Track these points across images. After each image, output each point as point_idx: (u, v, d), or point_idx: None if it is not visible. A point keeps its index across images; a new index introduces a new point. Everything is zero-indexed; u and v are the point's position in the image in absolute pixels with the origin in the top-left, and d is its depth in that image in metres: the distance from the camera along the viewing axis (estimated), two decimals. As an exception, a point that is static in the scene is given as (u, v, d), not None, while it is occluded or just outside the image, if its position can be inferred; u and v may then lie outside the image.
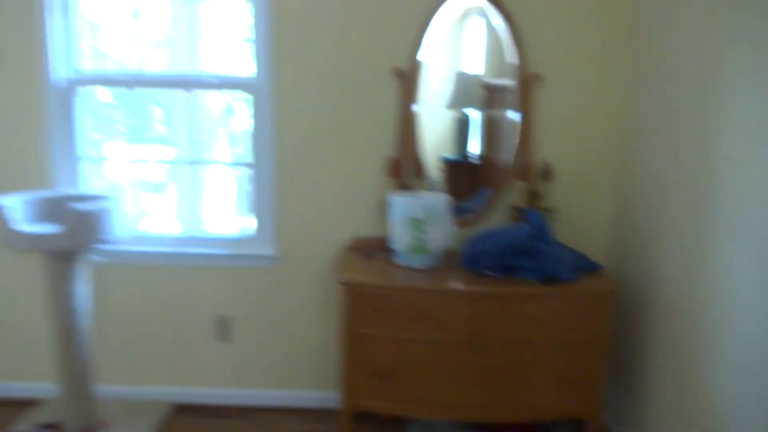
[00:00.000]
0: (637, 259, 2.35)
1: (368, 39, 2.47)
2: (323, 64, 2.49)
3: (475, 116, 2.62)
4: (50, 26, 2.49)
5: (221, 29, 2.70)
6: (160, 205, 2.97)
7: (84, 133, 2.65)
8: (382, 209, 2.51)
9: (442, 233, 2.29)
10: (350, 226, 2.59)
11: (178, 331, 2.71)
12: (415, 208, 2.26)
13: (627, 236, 2.47)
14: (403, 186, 2.51)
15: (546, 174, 2.48)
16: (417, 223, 2.25)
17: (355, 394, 2.23)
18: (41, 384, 2.69)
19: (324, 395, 2.68)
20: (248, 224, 2.77)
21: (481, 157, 2.64)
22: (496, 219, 2.56)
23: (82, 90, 2.60)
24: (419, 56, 2.45)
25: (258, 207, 2.64)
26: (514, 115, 2.50)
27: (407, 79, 2.47)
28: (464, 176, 2.68)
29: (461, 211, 2.51)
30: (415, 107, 2.49)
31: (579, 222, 2.54)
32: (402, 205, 2.29)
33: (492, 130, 2.63)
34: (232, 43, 2.71)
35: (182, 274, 2.67)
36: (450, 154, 2.64)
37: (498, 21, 2.43)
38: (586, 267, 2.30)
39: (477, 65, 2.58)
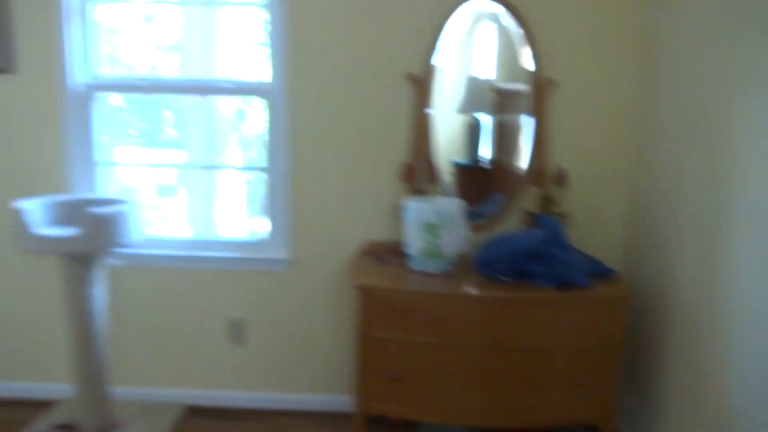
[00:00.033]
0: (652, 265, 2.35)
1: (382, 44, 2.48)
2: (337, 70, 2.51)
3: (486, 121, 2.62)
4: (69, 33, 2.53)
5: (235, 35, 2.73)
6: (172, 208, 3.00)
7: (100, 138, 2.68)
8: (395, 214, 2.52)
9: (456, 238, 2.29)
10: (363, 231, 2.60)
11: (192, 334, 2.74)
12: (430, 212, 2.27)
13: (641, 242, 2.46)
14: (417, 191, 2.52)
15: (560, 179, 2.48)
16: (431, 228, 2.26)
17: (368, 397, 2.23)
18: (57, 385, 2.72)
19: (336, 399, 2.69)
20: (258, 227, 2.78)
21: (493, 161, 2.65)
22: (510, 224, 2.56)
23: (98, 95, 2.64)
24: (432, 61, 2.46)
25: (272, 211, 2.66)
26: (526, 120, 2.51)
27: (421, 84, 2.48)
28: (475, 181, 2.69)
29: (474, 216, 2.51)
30: (428, 112, 2.50)
31: (593, 227, 2.54)
32: (416, 209, 2.29)
33: (503, 134, 2.63)
34: (247, 49, 2.74)
35: (196, 277, 2.69)
36: (461, 158, 2.64)
37: (512, 26, 2.43)
38: (601, 272, 2.29)
39: (488, 70, 2.58)
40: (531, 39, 2.41)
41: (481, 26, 2.53)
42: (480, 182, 2.69)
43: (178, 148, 2.93)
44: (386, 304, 2.17)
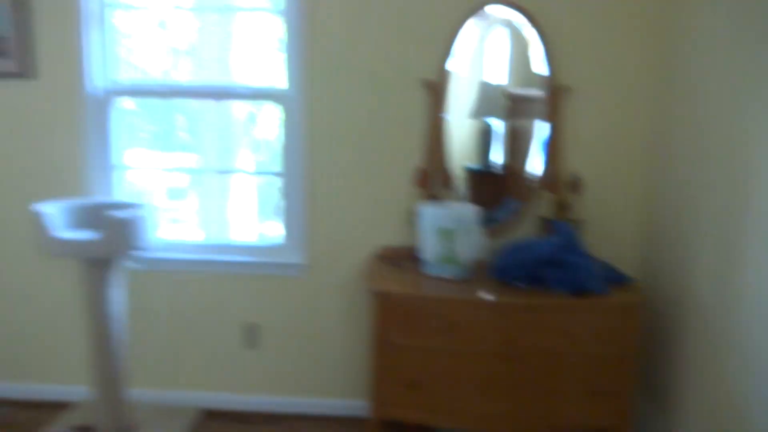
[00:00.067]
0: (667, 271, 2.34)
1: (396, 50, 2.49)
2: (352, 76, 2.52)
3: (498, 126, 2.63)
4: (88, 38, 2.56)
5: (250, 40, 2.76)
6: (184, 212, 3.02)
7: (117, 142, 2.71)
8: (409, 219, 2.53)
9: (472, 244, 2.30)
10: (378, 236, 2.62)
11: (207, 337, 2.76)
12: (445, 218, 2.27)
13: (657, 248, 2.46)
14: (432, 196, 2.53)
15: (575, 185, 2.48)
16: (446, 234, 2.27)
17: (384, 402, 2.24)
18: (74, 387, 2.75)
19: (351, 403, 2.70)
20: (269, 231, 2.79)
21: (505, 167, 2.65)
22: (524, 230, 2.56)
23: (116, 100, 2.67)
24: (447, 66, 2.47)
25: (287, 216, 2.68)
26: (540, 126, 2.51)
27: (435, 90, 2.49)
28: (488, 186, 2.69)
29: (488, 222, 2.51)
30: (443, 117, 2.51)
31: (608, 234, 2.54)
32: (432, 215, 2.30)
33: (516, 140, 2.63)
34: (261, 54, 2.76)
35: (212, 280, 2.71)
36: (473, 163, 2.65)
37: (527, 32, 2.44)
38: (616, 279, 2.29)
39: (500, 75, 2.59)
40: (547, 45, 2.42)
41: (493, 32, 2.53)
42: (493, 187, 2.69)
43: (189, 152, 2.95)
44: (402, 310, 2.18)
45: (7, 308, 2.78)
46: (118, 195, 2.73)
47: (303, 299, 2.70)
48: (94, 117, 2.63)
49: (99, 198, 2.64)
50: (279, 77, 2.62)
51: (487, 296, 2.19)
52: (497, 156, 2.65)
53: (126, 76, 2.76)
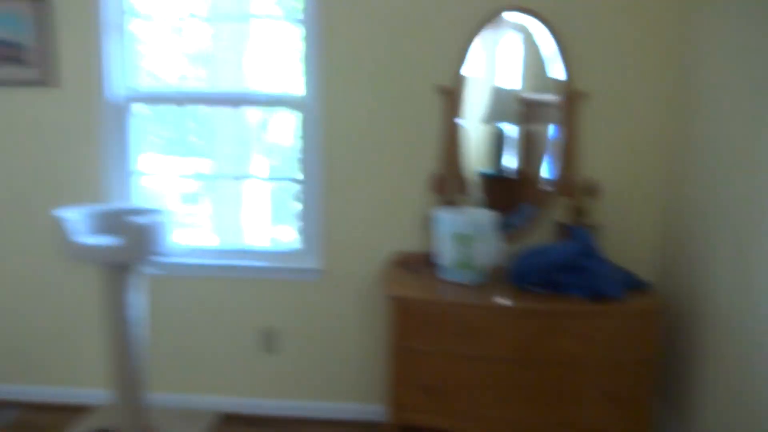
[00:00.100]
0: (685, 277, 2.33)
1: (413, 57, 2.51)
2: (369, 82, 2.54)
3: (510, 130, 2.63)
4: (107, 47, 2.60)
5: (266, 48, 2.78)
6: (198, 217, 3.05)
7: (135, 148, 2.74)
8: (425, 224, 2.54)
9: (489, 249, 2.30)
10: (394, 241, 2.63)
11: (225, 342, 2.78)
12: (462, 224, 2.28)
13: (674, 253, 2.45)
14: (448, 202, 2.54)
15: (591, 190, 2.48)
16: (464, 239, 2.27)
17: (402, 407, 2.25)
18: (93, 391, 2.79)
19: (367, 408, 2.71)
20: (281, 235, 2.81)
21: (519, 171, 2.65)
22: (541, 235, 2.56)
23: (134, 107, 2.70)
24: (462, 72, 2.48)
25: (304, 221, 2.70)
26: (555, 131, 2.51)
27: (451, 96, 2.50)
28: (502, 191, 2.69)
29: (504, 227, 2.52)
30: (458, 123, 2.52)
31: (625, 239, 2.53)
32: (449, 220, 2.31)
33: (530, 144, 2.64)
34: (278, 61, 2.79)
35: (229, 285, 2.74)
36: (486, 168, 2.66)
37: (543, 37, 2.44)
38: (634, 284, 2.29)
39: (513, 80, 2.60)
40: (564, 50, 2.42)
41: (505, 36, 2.54)
42: (507, 192, 2.69)
43: (203, 157, 2.98)
44: (420, 315, 2.19)
45: (30, 312, 2.82)
46: (136, 200, 2.76)
47: (319, 304, 2.71)
48: (114, 124, 2.66)
49: (118, 204, 2.68)
50: (294, 84, 2.64)
51: (504, 301, 2.20)
52: (510, 161, 2.65)
53: (144, 84, 2.79)
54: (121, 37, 2.64)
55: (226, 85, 2.76)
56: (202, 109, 2.90)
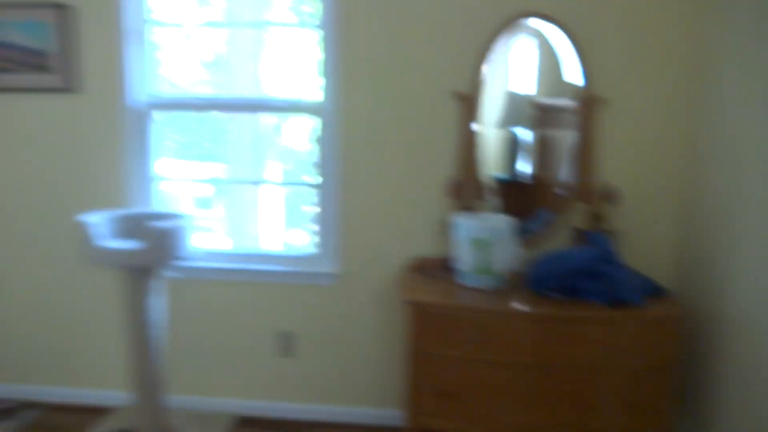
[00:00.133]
0: (705, 283, 2.31)
1: (430, 63, 2.52)
2: (387, 88, 2.55)
3: (525, 135, 2.63)
4: (129, 54, 2.64)
5: (284, 54, 2.81)
6: (213, 221, 3.08)
7: (154, 154, 2.78)
8: (442, 229, 2.55)
9: (507, 254, 2.30)
10: (411, 246, 2.63)
11: (242, 345, 2.80)
12: (480, 229, 2.28)
13: (694, 260, 2.43)
14: (465, 207, 2.54)
15: (609, 196, 2.47)
16: (482, 244, 2.28)
17: (418, 412, 2.25)
18: (114, 392, 2.82)
19: (384, 412, 2.72)
20: (296, 240, 2.82)
21: (534, 176, 2.65)
22: (559, 241, 2.55)
23: (154, 113, 2.74)
24: (478, 78, 2.49)
25: (322, 225, 2.72)
26: (572, 136, 2.50)
27: (468, 102, 2.51)
28: (518, 196, 2.68)
29: (522, 232, 2.51)
30: (475, 128, 2.53)
31: (644, 245, 2.52)
32: (467, 226, 2.32)
33: (545, 149, 2.63)
34: (295, 67, 2.81)
35: (247, 289, 2.76)
36: (501, 173, 2.66)
37: (560, 42, 2.44)
38: (653, 291, 2.27)
39: (528, 85, 2.60)
40: (582, 56, 2.42)
41: (519, 41, 2.54)
42: (523, 197, 2.69)
43: (218, 162, 3.00)
44: (438, 320, 2.19)
45: (52, 315, 2.87)
46: (156, 205, 2.80)
47: (337, 308, 2.73)
48: (135, 130, 2.70)
49: (139, 208, 2.71)
50: (310, 89, 2.66)
51: (521, 307, 2.20)
52: (525, 166, 2.65)
53: (163, 90, 2.83)
54: (142, 45, 2.68)
55: (241, 91, 2.79)
56: (217, 115, 2.92)
